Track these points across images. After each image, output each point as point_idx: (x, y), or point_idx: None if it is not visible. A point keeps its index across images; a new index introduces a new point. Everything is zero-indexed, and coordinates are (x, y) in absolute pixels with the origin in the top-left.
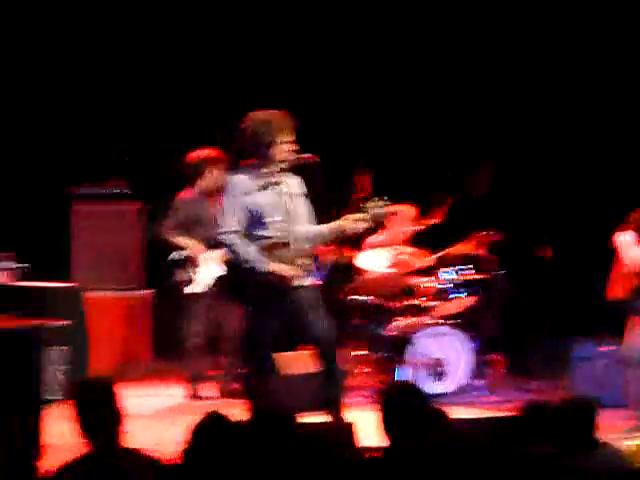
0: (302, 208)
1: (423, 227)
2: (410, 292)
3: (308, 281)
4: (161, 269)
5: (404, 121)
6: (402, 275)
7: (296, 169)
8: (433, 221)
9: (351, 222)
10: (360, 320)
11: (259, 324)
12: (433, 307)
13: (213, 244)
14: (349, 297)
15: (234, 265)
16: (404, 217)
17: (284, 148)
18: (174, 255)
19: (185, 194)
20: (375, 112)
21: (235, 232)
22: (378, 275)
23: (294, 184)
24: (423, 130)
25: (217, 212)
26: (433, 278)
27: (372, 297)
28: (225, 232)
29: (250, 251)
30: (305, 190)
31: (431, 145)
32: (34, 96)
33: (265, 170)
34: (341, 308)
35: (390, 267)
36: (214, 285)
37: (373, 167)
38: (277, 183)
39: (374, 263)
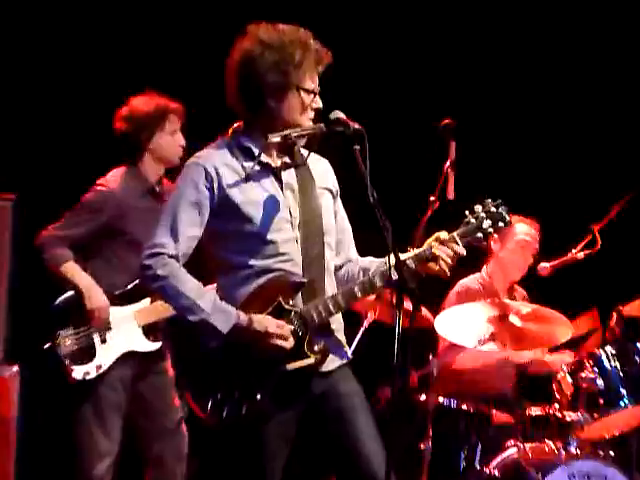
0: (335, 218)
1: (560, 263)
2: (534, 391)
3: (340, 361)
4: (37, 328)
5: (510, 77)
6: (520, 358)
7: (325, 146)
8: (579, 254)
9: (437, 247)
10: (437, 441)
11: (247, 456)
12: (578, 423)
13: (139, 288)
14: (416, 397)
15: (178, 326)
16: (524, 237)
17: (305, 102)
18: (63, 300)
19: (108, 182)
20: (463, 57)
21: (170, 255)
22: (474, 356)
23: (321, 173)
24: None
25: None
26: (579, 366)
27: (460, 399)
28: (152, 253)
29: (201, 294)
30: (337, 186)
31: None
32: None
33: (267, 142)
34: (400, 416)
35: (497, 341)
36: (135, 366)
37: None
38: (287, 168)
39: (466, 332)
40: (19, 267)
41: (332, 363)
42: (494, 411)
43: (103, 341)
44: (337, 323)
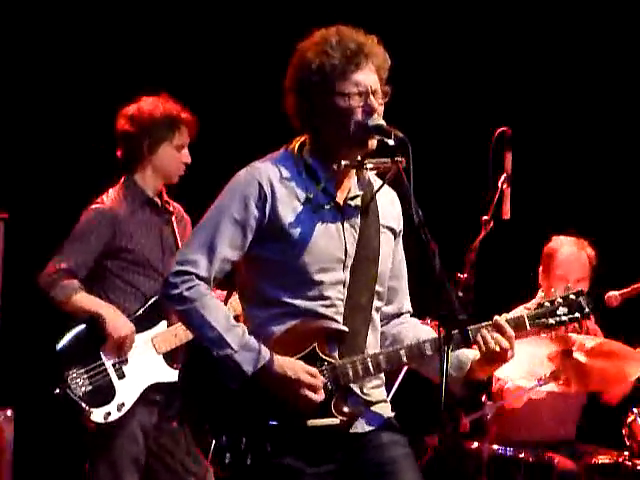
0: (392, 262)
1: (632, 292)
2: (601, 436)
3: (374, 425)
4: (38, 368)
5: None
6: (583, 395)
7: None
8: None
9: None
10: None
11: None
12: None
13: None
14: (468, 444)
15: (201, 358)
16: (576, 259)
17: (342, 106)
18: (70, 339)
19: (103, 200)
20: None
21: (200, 277)
22: (533, 397)
23: (387, 208)
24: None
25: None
26: None
27: (518, 446)
28: (180, 271)
29: (230, 326)
30: (402, 225)
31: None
32: None
33: (337, 168)
34: (450, 467)
35: (560, 380)
36: (157, 411)
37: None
38: (353, 199)
39: (524, 371)
40: (5, 294)
41: (365, 426)
42: (557, 460)
43: (121, 376)
44: (377, 380)
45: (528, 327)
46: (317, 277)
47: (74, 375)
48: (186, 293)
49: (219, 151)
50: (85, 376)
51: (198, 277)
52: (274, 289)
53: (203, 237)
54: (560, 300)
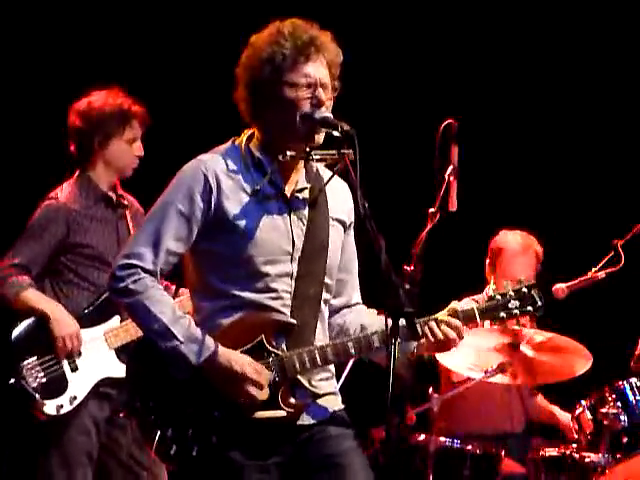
0: (341, 255)
1: (578, 284)
2: (548, 429)
3: (322, 417)
4: None
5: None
6: (532, 390)
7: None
8: (600, 273)
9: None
10: None
11: None
12: (599, 465)
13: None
14: (414, 437)
15: (147, 351)
16: (524, 257)
17: (290, 96)
18: (24, 329)
19: (57, 195)
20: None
21: (146, 269)
22: (480, 387)
23: (337, 200)
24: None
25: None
26: (601, 401)
27: (465, 439)
28: (126, 264)
29: (176, 318)
30: (352, 217)
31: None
32: None
33: (283, 158)
34: (396, 460)
35: (507, 372)
36: (110, 405)
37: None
38: (301, 191)
39: (471, 362)
40: None
41: (312, 418)
42: (503, 452)
43: (74, 369)
44: (326, 372)
45: (478, 320)
46: (264, 269)
47: (29, 366)
48: (132, 286)
49: (168, 144)
50: (39, 367)
51: (144, 270)
52: (221, 281)
53: (149, 230)
54: (512, 293)
